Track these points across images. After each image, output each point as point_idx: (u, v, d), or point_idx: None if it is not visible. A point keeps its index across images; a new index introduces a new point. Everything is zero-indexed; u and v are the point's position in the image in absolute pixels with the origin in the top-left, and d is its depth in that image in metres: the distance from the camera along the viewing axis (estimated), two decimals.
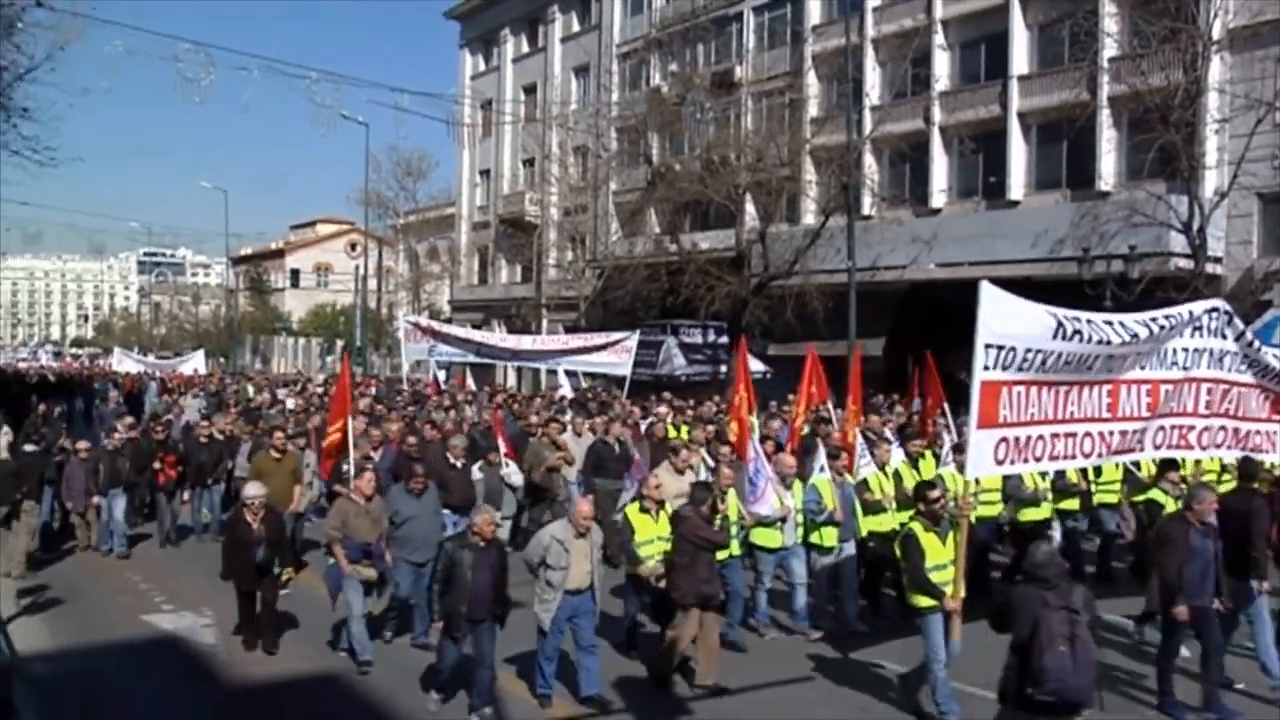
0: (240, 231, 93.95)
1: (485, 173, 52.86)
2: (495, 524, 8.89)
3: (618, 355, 23.71)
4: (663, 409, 19.88)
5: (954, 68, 31.86)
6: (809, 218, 33.12)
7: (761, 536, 11.11)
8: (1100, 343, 8.56)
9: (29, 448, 15.18)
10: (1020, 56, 29.97)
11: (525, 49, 50.31)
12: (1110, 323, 8.82)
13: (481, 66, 53.32)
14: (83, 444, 15.44)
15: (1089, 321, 8.57)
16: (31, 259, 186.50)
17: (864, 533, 11.52)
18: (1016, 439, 8.43)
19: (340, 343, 67.84)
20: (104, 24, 57.27)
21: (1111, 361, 8.83)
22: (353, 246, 73.70)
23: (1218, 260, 25.18)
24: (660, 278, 32.45)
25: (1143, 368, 9.15)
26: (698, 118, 34.93)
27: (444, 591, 8.55)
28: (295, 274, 66.92)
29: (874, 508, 11.60)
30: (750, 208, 32.57)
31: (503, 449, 14.50)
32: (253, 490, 10.60)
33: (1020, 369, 8.25)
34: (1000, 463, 8.50)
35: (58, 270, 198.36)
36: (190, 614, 11.92)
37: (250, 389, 31.25)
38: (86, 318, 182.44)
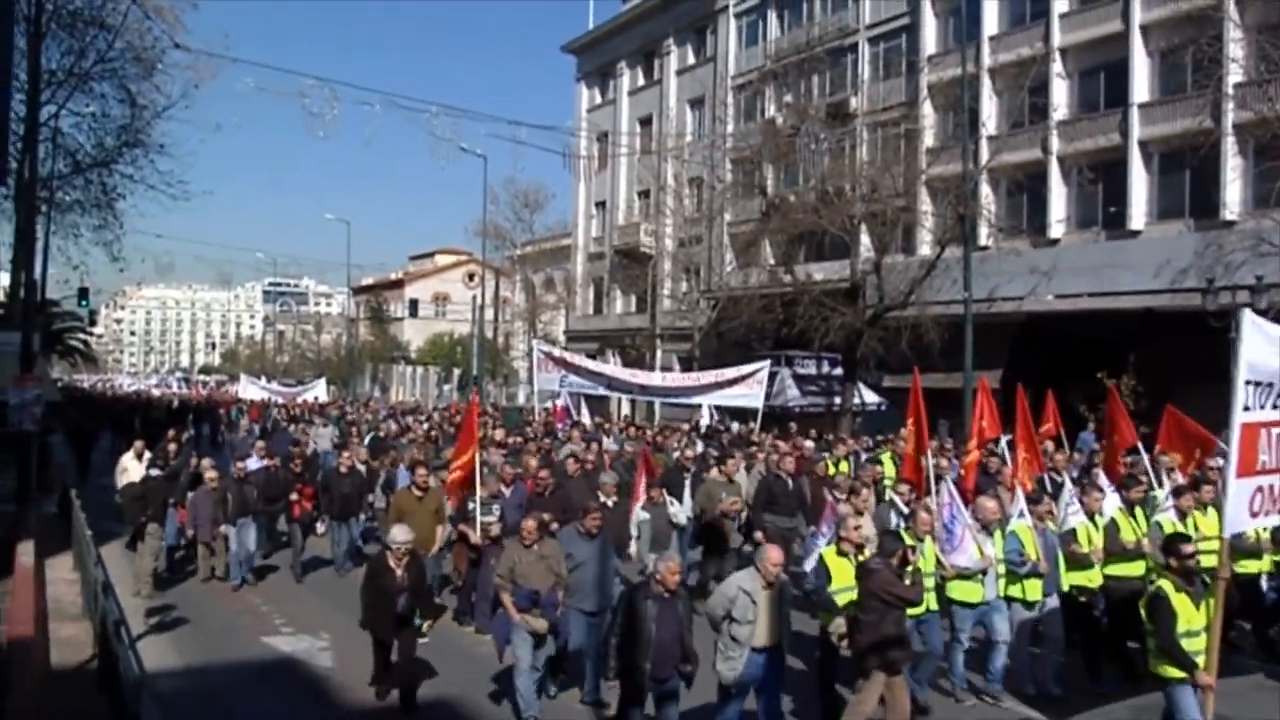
0: (361, 262, 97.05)
1: (601, 204, 54.37)
2: (679, 572, 8.14)
3: (750, 388, 23.98)
4: (808, 444, 19.60)
5: (1072, 96, 32.08)
6: (924, 248, 33.49)
7: (960, 590, 10.13)
8: None
9: (154, 472, 15.55)
10: (1141, 84, 30.05)
11: (641, 82, 51.74)
12: None
13: (598, 99, 54.94)
14: (211, 473, 15.29)
15: None
16: (164, 288, 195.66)
17: (1067, 586, 10.63)
18: (1272, 487, 7.65)
19: (457, 371, 70.09)
20: (235, 62, 60.86)
21: None
22: (470, 277, 76.04)
23: None
24: (775, 309, 33.05)
25: None
26: (812, 148, 35.38)
27: (623, 646, 7.89)
28: (414, 304, 69.38)
29: (1080, 561, 10.68)
30: (865, 238, 33.02)
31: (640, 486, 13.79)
32: (401, 535, 9.83)
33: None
34: (1255, 515, 7.73)
35: (188, 299, 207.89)
36: (308, 637, 12.41)
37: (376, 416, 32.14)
38: (214, 345, 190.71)
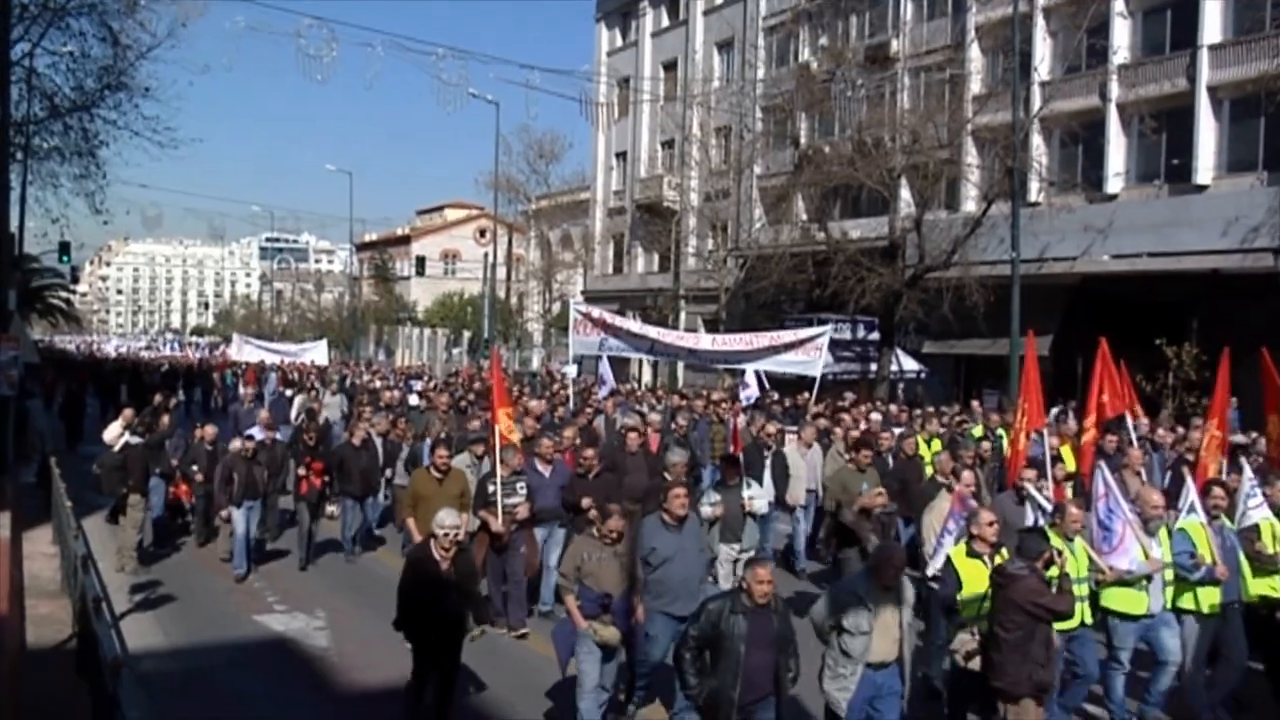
0: (365, 216, 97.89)
1: (621, 155, 54.16)
2: (770, 581, 7.19)
3: (808, 354, 23.01)
4: (876, 417, 19.16)
5: (1135, 37, 31.54)
6: (969, 204, 33.22)
7: (1120, 600, 9.12)
8: None
9: (132, 440, 15.33)
10: (1212, 23, 29.46)
11: (665, 22, 51.34)
12: None
13: (619, 41, 54.61)
14: (238, 441, 14.95)
15: None
16: (152, 244, 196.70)
17: (1253, 595, 9.67)
18: None
19: (467, 334, 70.28)
20: None
21: None
22: (482, 233, 76.14)
23: None
24: (806, 268, 32.90)
25: None
26: (849, 95, 35.18)
27: (703, 669, 7.13)
28: (421, 261, 69.33)
29: (1266, 564, 9.69)
30: (905, 193, 32.85)
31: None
32: (449, 520, 8.67)
33: None
34: None
35: (178, 255, 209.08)
36: (303, 615, 12.49)
37: (375, 381, 31.97)
38: (207, 305, 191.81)
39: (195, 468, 15.45)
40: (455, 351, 72.56)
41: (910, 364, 32.64)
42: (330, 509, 15.50)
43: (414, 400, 24.57)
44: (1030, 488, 10.79)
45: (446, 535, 8.57)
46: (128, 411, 16.38)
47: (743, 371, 25.24)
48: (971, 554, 8.38)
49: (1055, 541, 8.31)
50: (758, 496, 12.14)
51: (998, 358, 27.87)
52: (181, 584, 13.83)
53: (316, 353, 50.92)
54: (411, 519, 11.80)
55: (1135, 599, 9.12)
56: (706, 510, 11.41)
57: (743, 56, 43.72)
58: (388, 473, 16.21)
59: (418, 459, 15.02)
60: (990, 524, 8.43)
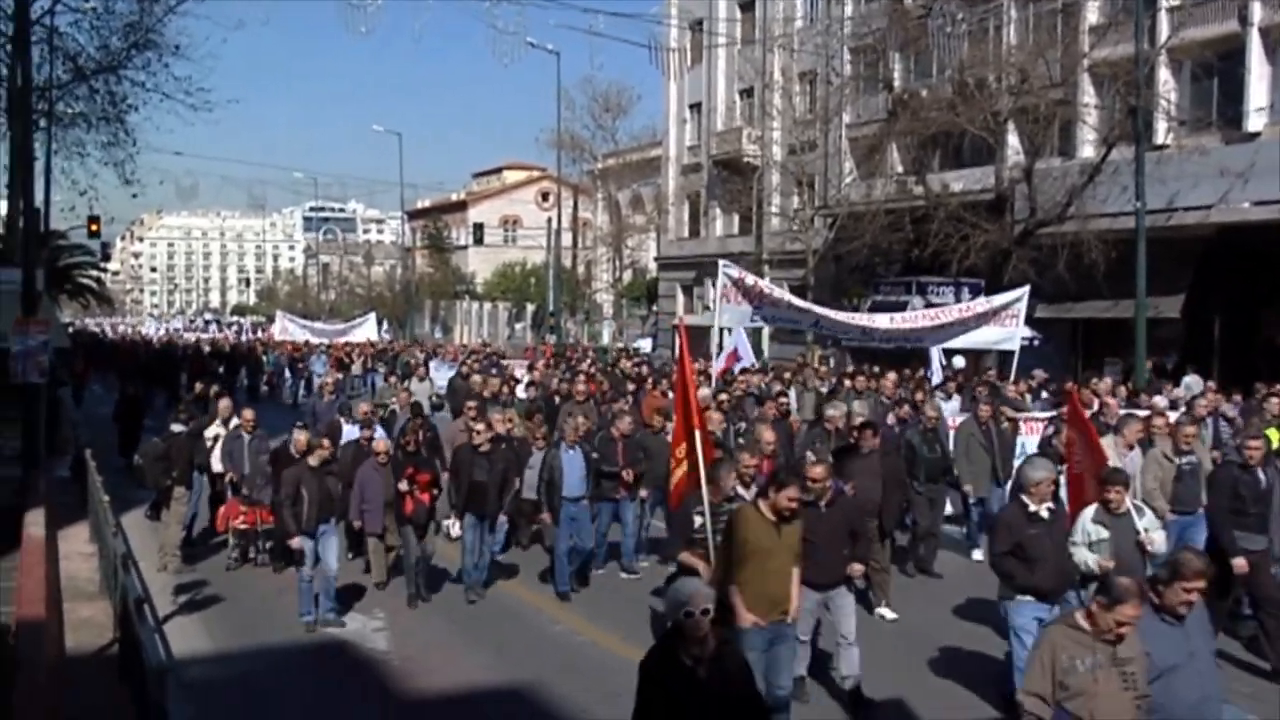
0: (416, 181, 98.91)
1: (696, 107, 53.93)
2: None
3: (1005, 325, 21.90)
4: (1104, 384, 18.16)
5: None
6: (1087, 149, 32.65)
7: None
8: None
9: (176, 428, 15.34)
10: None
11: None
12: None
13: None
14: (382, 442, 13.91)
15: None
16: (187, 216, 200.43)
17: None
18: None
19: (531, 307, 70.75)
20: None
21: None
22: (544, 196, 76.49)
23: None
24: (903, 226, 32.63)
25: None
26: (948, 32, 34.75)
27: None
28: (479, 229, 70.03)
29: None
30: (1013, 140, 32.42)
31: None
32: (702, 593, 6.05)
33: None
34: None
35: (215, 228, 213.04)
36: (360, 616, 12.54)
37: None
38: (248, 282, 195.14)
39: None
40: (518, 327, 73.11)
41: (1022, 330, 32.25)
42: (452, 528, 13.54)
43: (520, 390, 22.57)
44: None
45: (693, 621, 5.90)
46: (224, 402, 16.13)
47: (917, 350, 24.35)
48: None
49: None
50: (1153, 528, 9.81)
51: (1120, 321, 27.45)
52: (228, 584, 13.97)
53: (366, 329, 51.63)
54: (735, 585, 8.37)
55: None
56: (1088, 559, 9.32)
57: None
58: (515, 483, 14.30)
59: (558, 467, 13.43)
60: None
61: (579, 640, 11.82)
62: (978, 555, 15.14)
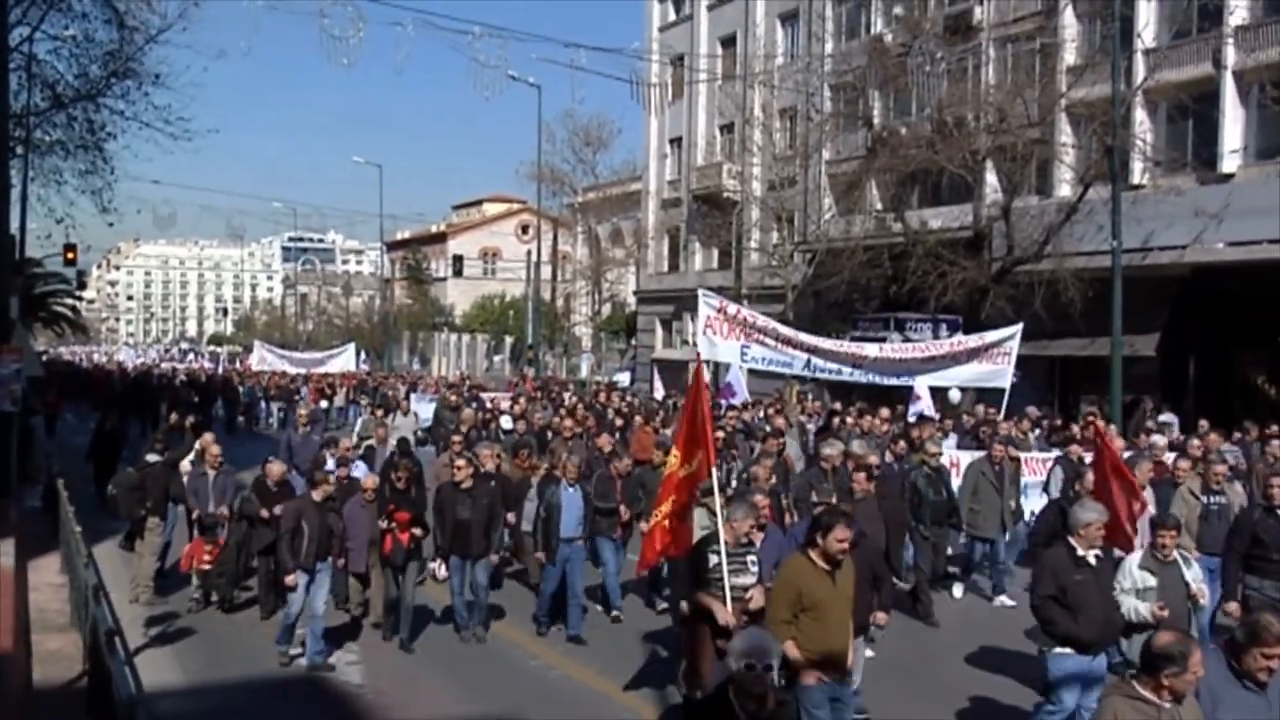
0: (396, 213, 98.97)
1: (676, 141, 54.15)
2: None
3: (996, 362, 22.06)
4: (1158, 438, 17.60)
5: None
6: (1064, 189, 32.90)
7: None
8: None
9: (151, 458, 15.27)
10: None
11: None
12: None
13: (671, 16, 54.67)
14: (370, 479, 13.73)
15: None
16: (165, 245, 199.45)
17: None
18: None
19: (509, 339, 70.74)
20: None
21: None
22: (524, 229, 76.54)
23: None
24: (882, 263, 32.69)
25: None
26: (927, 70, 34.93)
27: None
28: (458, 261, 69.91)
29: None
30: (991, 178, 32.58)
31: None
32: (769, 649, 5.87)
33: None
34: None
35: (193, 258, 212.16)
36: (334, 650, 12.41)
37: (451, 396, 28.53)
38: (225, 311, 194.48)
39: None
40: (497, 359, 73.07)
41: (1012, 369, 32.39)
42: (438, 570, 13.54)
43: (506, 422, 21.70)
44: None
45: (761, 676, 5.65)
46: (208, 436, 15.84)
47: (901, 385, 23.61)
48: None
49: None
50: (1199, 579, 9.55)
51: (1097, 359, 27.61)
52: (201, 617, 13.93)
53: (344, 359, 51.50)
54: (791, 641, 7.87)
55: None
56: (1138, 606, 9.11)
57: (809, 29, 43.61)
58: (510, 518, 14.42)
59: (556, 504, 13.18)
60: None
61: (554, 674, 11.82)
62: (957, 591, 15.17)
